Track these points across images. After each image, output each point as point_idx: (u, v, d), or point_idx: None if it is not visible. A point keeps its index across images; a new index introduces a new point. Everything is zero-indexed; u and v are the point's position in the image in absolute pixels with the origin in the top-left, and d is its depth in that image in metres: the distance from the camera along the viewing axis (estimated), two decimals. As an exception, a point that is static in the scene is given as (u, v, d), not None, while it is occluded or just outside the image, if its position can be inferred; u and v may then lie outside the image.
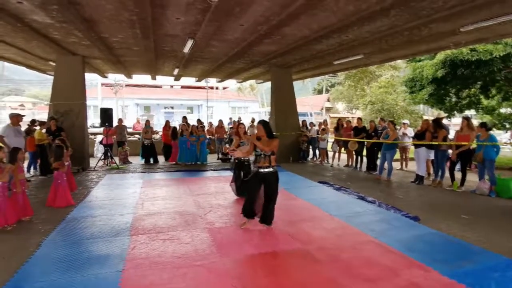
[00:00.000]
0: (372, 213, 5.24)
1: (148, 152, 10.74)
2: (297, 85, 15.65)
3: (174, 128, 10.54)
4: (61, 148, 5.73)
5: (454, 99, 12.41)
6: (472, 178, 7.35)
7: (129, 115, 35.03)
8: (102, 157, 10.17)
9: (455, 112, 13.43)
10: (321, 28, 6.44)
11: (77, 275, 3.10)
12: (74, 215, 5.00)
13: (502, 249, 3.74)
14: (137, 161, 10.96)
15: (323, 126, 11.01)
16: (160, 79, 15.89)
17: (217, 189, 6.92)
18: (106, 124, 9.70)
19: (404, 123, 9.04)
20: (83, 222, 4.70)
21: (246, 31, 6.72)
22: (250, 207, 4.47)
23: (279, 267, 3.38)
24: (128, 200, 5.95)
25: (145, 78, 22.39)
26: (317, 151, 11.37)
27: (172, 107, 40.35)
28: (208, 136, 11.22)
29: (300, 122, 11.58)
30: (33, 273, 3.15)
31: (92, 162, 10.05)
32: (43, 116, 16.96)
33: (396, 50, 8.42)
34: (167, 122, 11.64)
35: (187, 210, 5.37)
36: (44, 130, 8.28)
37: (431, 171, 7.93)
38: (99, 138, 12.38)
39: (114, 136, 10.74)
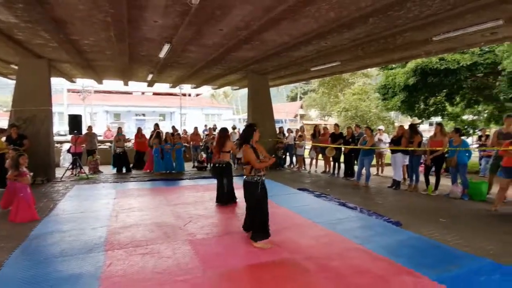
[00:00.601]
0: (354, 220, 5.22)
1: (121, 160, 10.25)
2: (271, 91, 15.68)
3: (158, 133, 10.11)
4: (18, 157, 5.27)
5: (422, 106, 12.94)
6: (445, 182, 7.60)
7: (98, 123, 33.65)
8: (70, 166, 9.57)
9: (423, 118, 14.03)
10: (301, 35, 6.45)
11: (46, 298, 2.78)
12: (39, 230, 4.58)
13: (483, 252, 3.82)
14: (108, 170, 10.43)
15: (300, 133, 11.06)
16: (132, 86, 15.36)
17: (195, 198, 6.67)
18: (75, 131, 9.16)
19: (379, 129, 9.24)
20: (50, 238, 4.31)
21: (226, 36, 6.60)
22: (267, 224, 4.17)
23: (268, 280, 3.22)
24: (100, 212, 5.57)
25: (116, 84, 21.63)
26: (294, 158, 11.37)
27: (143, 114, 39.28)
28: (184, 144, 10.88)
29: (277, 129, 11.56)
30: (-7, 298, 2.80)
31: (59, 172, 9.43)
32: (3, 123, 15.83)
33: (371, 58, 8.62)
34: (139, 130, 11.19)
35: (166, 221, 5.09)
36: (3, 138, 7.64)
37: (406, 176, 8.13)
38: (66, 146, 11.71)
39: (83, 145, 10.18)
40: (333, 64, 9.17)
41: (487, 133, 10.99)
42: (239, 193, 5.45)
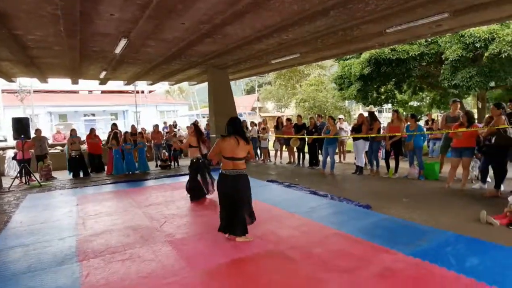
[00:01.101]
0: (327, 206, 5.44)
1: (77, 164, 9.60)
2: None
3: (116, 133, 9.56)
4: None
5: (375, 95, 13.73)
6: (402, 165, 8.17)
7: (41, 125, 31.03)
8: (18, 175, 8.76)
9: (377, 106, 14.92)
10: (264, 28, 6.48)
11: (23, 319, 2.56)
12: (-3, 247, 4.17)
13: (444, 226, 4.19)
14: (63, 176, 9.72)
15: (263, 126, 11.18)
16: (79, 84, 14.30)
17: (165, 198, 6.49)
18: (22, 136, 8.37)
19: (340, 118, 9.65)
20: (12, 254, 3.94)
21: (187, 30, 6.42)
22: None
23: (256, 272, 3.26)
24: (64, 221, 5.20)
25: (59, 83, 19.90)
26: (258, 151, 11.47)
27: (93, 114, 36.95)
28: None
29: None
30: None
31: (5, 182, 8.60)
32: None
33: (329, 50, 8.93)
34: (92, 130, 10.51)
35: (140, 224, 4.90)
36: None
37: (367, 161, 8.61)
38: (10, 153, 10.68)
39: (32, 150, 9.37)
40: (293, 56, 9.35)
41: (432, 117, 11.99)
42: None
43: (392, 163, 7.56)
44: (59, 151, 11.72)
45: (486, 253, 3.35)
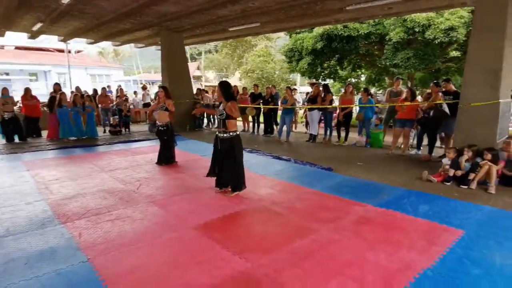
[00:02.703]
0: (293, 169, 5.92)
1: (11, 128, 8.56)
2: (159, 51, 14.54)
3: (52, 97, 8.65)
4: None
5: (319, 69, 14.50)
6: (350, 134, 9.01)
7: None
8: None
9: (320, 80, 15.79)
10: (234, -7, 6.41)
11: (31, 276, 2.49)
12: (-47, 213, 3.75)
13: (396, 183, 4.95)
14: (-7, 140, 8.63)
15: (216, 94, 11.15)
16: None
17: (130, 163, 6.31)
18: None
19: (294, 89, 10.12)
20: (-23, 219, 3.61)
21: (153, -14, 6.04)
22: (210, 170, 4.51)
23: (250, 224, 3.57)
24: (21, 187, 4.79)
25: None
26: (212, 119, 11.49)
27: (7, 73, 32.07)
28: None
29: (194, 90, 11.36)
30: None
31: None
32: None
33: (289, 22, 9.16)
34: (28, 90, 9.39)
35: (113, 187, 4.78)
36: None
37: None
38: None
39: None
40: (252, 25, 9.38)
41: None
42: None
43: (342, 133, 8.34)
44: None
45: (432, 202, 4.13)
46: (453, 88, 6.26)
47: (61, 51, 34.60)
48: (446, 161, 5.14)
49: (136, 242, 3.08)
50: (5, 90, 8.56)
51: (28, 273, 2.54)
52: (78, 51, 37.22)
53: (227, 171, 4.37)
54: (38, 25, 9.28)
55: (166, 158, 6.12)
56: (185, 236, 3.21)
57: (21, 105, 9.41)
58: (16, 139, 8.67)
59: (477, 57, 4.96)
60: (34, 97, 9.31)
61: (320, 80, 15.35)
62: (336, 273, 2.56)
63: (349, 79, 16.51)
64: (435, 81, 6.92)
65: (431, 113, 6.26)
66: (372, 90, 16.01)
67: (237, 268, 2.62)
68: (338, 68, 15.23)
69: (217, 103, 10.60)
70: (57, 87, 9.29)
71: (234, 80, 32.09)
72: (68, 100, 8.90)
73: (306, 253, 2.87)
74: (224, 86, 4.30)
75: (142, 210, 3.89)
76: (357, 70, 17.09)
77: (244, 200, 4.25)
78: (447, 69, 12.44)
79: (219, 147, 4.35)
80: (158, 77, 38.30)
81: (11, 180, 5.14)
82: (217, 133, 4.43)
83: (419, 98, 7.63)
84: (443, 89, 6.35)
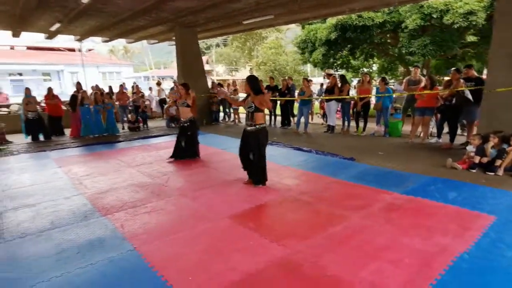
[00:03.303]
0: (315, 160, 5.99)
1: (35, 127, 8.84)
2: (173, 48, 14.52)
3: (74, 96, 8.89)
4: None
5: (331, 60, 14.40)
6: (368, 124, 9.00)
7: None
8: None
9: (332, 70, 15.68)
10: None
11: (85, 264, 2.66)
12: (-1, 208, 3.96)
13: (420, 171, 4.97)
14: (19, 139, 8.91)
15: (232, 87, 11.26)
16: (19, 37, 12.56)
17: (154, 158, 6.47)
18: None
19: (310, 80, 10.11)
20: (22, 213, 3.80)
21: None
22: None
23: (282, 213, 3.67)
24: (56, 183, 5.00)
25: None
26: (228, 112, 11.60)
27: (20, 74, 32.70)
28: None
29: (209, 84, 11.46)
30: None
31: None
32: None
33: (303, 13, 9.12)
34: (50, 90, 9.67)
35: (142, 181, 4.94)
36: None
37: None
38: None
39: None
40: (266, 18, 9.37)
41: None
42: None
43: (360, 123, 8.34)
44: (5, 113, 10.57)
45: (460, 188, 4.16)
46: (475, 74, 6.20)
47: (72, 50, 35.12)
48: (470, 148, 5.13)
49: (175, 232, 3.22)
50: (27, 90, 8.82)
51: (82, 262, 2.70)
52: (89, 50, 37.71)
53: (254, 163, 4.47)
54: (56, 25, 9.47)
55: (190, 153, 6.21)
56: (221, 226, 3.34)
57: (44, 104, 9.66)
58: (41, 138, 8.95)
59: (502, 41, 4.91)
60: (56, 97, 9.57)
61: (332, 71, 15.30)
62: (373, 257, 2.65)
63: (361, 69, 16.36)
64: (455, 67, 6.85)
65: (453, 101, 6.22)
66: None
67: (277, 254, 2.73)
68: (350, 58, 15.11)
69: (232, 96, 10.72)
70: (79, 86, 9.51)
71: (245, 73, 32.07)
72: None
73: (341, 238, 2.97)
74: (252, 80, 4.42)
75: (174, 202, 4.04)
76: (369, 60, 16.92)
77: (272, 190, 4.35)
78: (464, 55, 12.22)
79: (246, 140, 4.46)
80: (168, 72, 38.64)
81: (46, 176, 5.36)
82: (245, 127, 4.54)
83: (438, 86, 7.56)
84: (465, 76, 6.30)
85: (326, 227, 3.20)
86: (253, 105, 4.32)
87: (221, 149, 7.14)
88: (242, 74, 34.27)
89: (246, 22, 9.95)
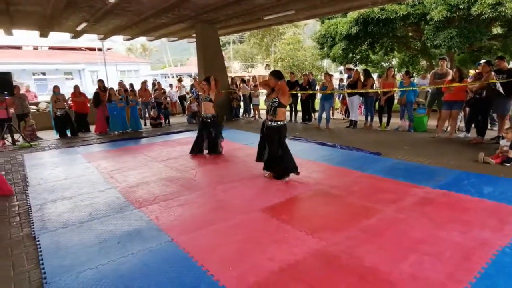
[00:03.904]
0: (341, 154, 5.96)
1: (63, 123, 9.15)
2: (189, 45, 14.54)
3: (96, 93, 9.16)
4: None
5: (350, 55, 14.20)
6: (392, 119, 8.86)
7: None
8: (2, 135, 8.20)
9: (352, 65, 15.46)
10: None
11: (127, 253, 2.75)
12: (37, 201, 4.13)
13: (450, 166, 4.88)
14: (48, 136, 9.24)
15: (251, 83, 11.30)
16: (20, 38, 12.80)
17: (179, 153, 6.58)
18: (6, 92, 7.73)
19: (331, 75, 10.02)
20: (61, 205, 3.96)
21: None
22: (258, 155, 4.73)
23: (314, 206, 3.67)
24: (89, 177, 5.17)
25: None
26: (248, 108, 11.66)
27: (43, 73, 33.78)
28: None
29: (229, 80, 11.54)
30: (68, 265, 2.66)
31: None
32: None
33: (324, 7, 9.03)
34: (76, 88, 9.97)
35: (171, 175, 5.05)
36: None
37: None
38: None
39: (12, 109, 8.71)
40: (287, 13, 9.33)
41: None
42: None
43: (383, 118, 8.22)
44: (34, 110, 10.96)
45: (496, 183, 4.06)
46: (507, 66, 5.99)
47: (92, 49, 36.06)
48: (504, 142, 4.99)
49: (210, 224, 3.28)
50: (56, 88, 9.12)
51: (123, 251, 2.80)
52: (108, 49, 38.55)
53: (274, 157, 4.49)
54: (83, 25, 9.74)
55: (213, 148, 6.23)
56: (254, 218, 3.38)
57: (70, 102, 9.97)
58: (68, 134, 9.26)
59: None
60: (83, 94, 9.85)
61: (352, 66, 15.09)
62: (411, 249, 2.63)
63: (380, 63, 16.07)
64: (486, 60, 6.64)
65: (483, 94, 6.04)
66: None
67: (313, 246, 2.75)
68: (370, 52, 14.86)
69: (253, 92, 10.77)
70: (101, 83, 9.76)
71: (261, 70, 32.05)
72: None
73: (376, 231, 2.96)
74: (277, 75, 4.45)
75: (205, 196, 4.12)
76: (390, 54, 16.58)
77: (300, 184, 4.37)
78: (490, 47, 11.81)
79: (266, 133, 4.50)
80: (185, 70, 39.04)
81: (78, 171, 5.55)
82: (265, 120, 4.58)
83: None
84: (496, 68, 6.10)
85: (359, 219, 3.20)
86: (277, 100, 4.35)
87: (244, 144, 7.19)
88: (258, 70, 34.24)
89: (267, 18, 9.93)
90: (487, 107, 6.20)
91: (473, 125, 6.67)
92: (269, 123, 4.46)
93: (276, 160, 4.53)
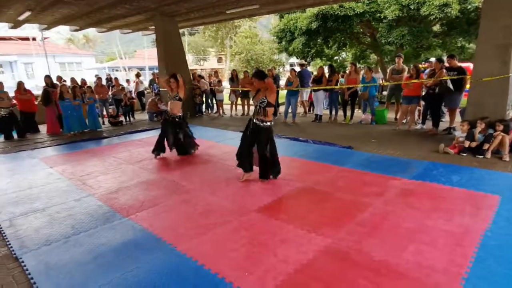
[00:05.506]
0: (316, 150, 6.15)
1: (8, 124, 8.21)
2: (131, 35, 13.79)
3: (45, 90, 8.32)
4: None
5: (306, 49, 14.59)
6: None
7: None
8: None
9: (307, 60, 15.93)
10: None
11: (131, 267, 2.60)
12: (3, 217, 3.69)
13: (417, 157, 5.31)
14: (-10, 139, 8.25)
15: (214, 78, 11.12)
16: None
17: (152, 154, 6.28)
18: None
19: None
20: (34, 219, 3.59)
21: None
22: (241, 159, 4.55)
23: (306, 204, 3.76)
24: (58, 184, 4.75)
25: None
26: (211, 104, 11.47)
27: (-31, 65, 29.86)
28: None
29: (191, 75, 11.22)
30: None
31: None
32: None
33: (288, 3, 9.16)
34: (21, 84, 8.97)
35: (150, 178, 4.84)
36: None
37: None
38: None
39: None
40: (251, 7, 9.30)
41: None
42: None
43: (347, 112, 8.64)
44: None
45: (459, 172, 4.52)
46: (457, 64, 6.63)
47: (25, 39, 32.60)
48: (459, 133, 5.55)
49: (209, 229, 3.22)
50: (0, 85, 8.12)
51: (126, 265, 2.64)
52: (45, 38, 35.04)
53: (266, 158, 4.50)
54: (26, 14, 8.74)
55: (184, 149, 6.01)
56: (253, 219, 3.39)
57: (14, 101, 8.95)
58: (15, 136, 8.35)
59: (489, 33, 5.31)
60: (28, 91, 8.91)
61: (308, 60, 15.52)
62: (409, 239, 2.85)
63: (335, 57, 16.77)
64: (437, 57, 7.28)
65: (437, 90, 6.63)
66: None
67: (320, 244, 2.85)
68: (324, 47, 15.41)
69: (216, 87, 10.61)
70: (48, 80, 8.91)
71: (213, 63, 31.57)
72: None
73: (373, 224, 3.15)
74: (261, 76, 4.43)
75: (193, 199, 4.01)
76: (343, 48, 17.37)
77: (287, 182, 4.45)
78: (430, 44, 12.93)
79: (255, 134, 4.46)
80: (134, 62, 36.98)
81: (42, 178, 5.06)
82: (253, 120, 4.53)
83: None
84: (447, 65, 6.72)
85: (354, 214, 3.37)
86: (266, 99, 4.34)
87: (215, 142, 7.09)
88: (211, 63, 33.71)
89: (230, 11, 9.80)
90: (439, 101, 6.82)
91: (427, 117, 7.31)
92: (261, 124, 4.41)
93: (263, 160, 4.52)
